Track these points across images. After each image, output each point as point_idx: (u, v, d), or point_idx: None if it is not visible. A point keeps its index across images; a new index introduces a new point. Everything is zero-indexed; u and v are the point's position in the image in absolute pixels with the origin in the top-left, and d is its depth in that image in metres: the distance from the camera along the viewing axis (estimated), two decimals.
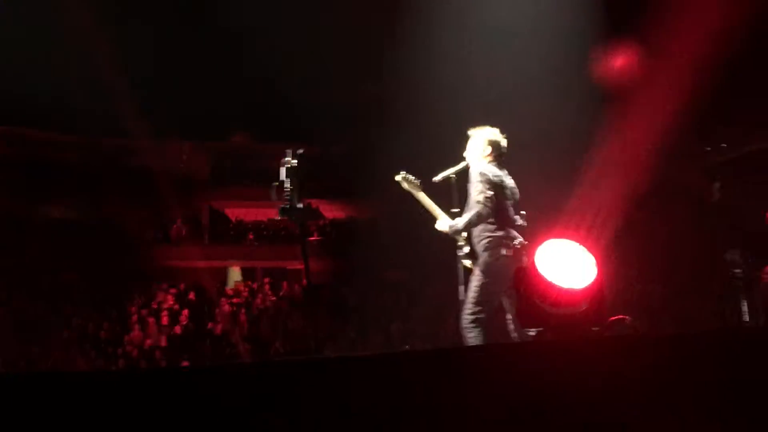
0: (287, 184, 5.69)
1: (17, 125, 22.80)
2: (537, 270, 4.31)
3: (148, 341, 17.48)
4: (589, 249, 4.51)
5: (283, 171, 5.73)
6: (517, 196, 6.18)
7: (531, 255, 4.53)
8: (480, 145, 6.27)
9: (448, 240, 6.29)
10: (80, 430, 3.13)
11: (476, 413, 3.25)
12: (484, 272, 5.83)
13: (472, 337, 5.71)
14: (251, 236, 26.06)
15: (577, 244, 4.50)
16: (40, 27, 17.58)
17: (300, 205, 5.69)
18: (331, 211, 26.91)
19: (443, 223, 6.26)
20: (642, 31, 14.40)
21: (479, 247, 6.00)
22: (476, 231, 6.06)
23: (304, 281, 19.31)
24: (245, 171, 24.00)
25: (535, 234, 5.84)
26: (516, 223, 6.00)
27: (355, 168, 21.56)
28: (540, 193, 6.11)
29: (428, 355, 4.26)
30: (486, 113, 6.38)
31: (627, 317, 4.78)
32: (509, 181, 6.18)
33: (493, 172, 6.10)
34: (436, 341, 15.77)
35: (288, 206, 5.68)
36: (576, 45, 14.42)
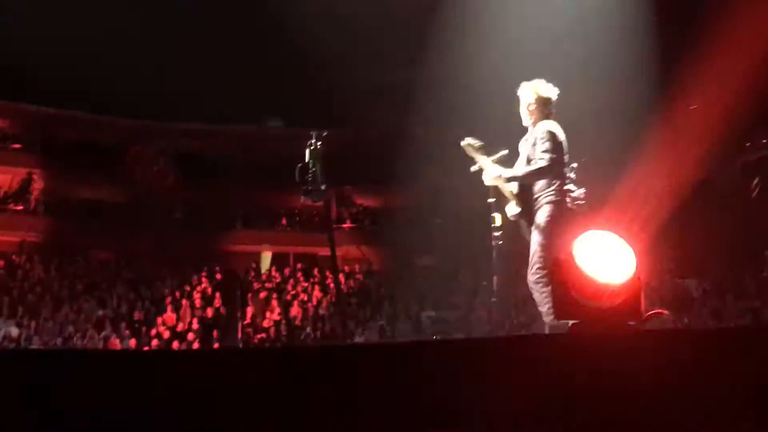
0: (311, 166, 5.67)
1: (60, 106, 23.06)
2: (575, 261, 4.24)
3: (181, 323, 17.65)
4: (629, 242, 4.43)
5: (307, 153, 5.72)
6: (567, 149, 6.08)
7: (570, 246, 4.47)
8: (534, 102, 6.11)
9: (483, 229, 6.23)
10: (111, 407, 3.15)
11: (506, 404, 3.21)
12: (549, 225, 5.77)
13: (544, 291, 5.56)
14: (284, 221, 26.16)
15: (617, 236, 4.43)
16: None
17: (323, 187, 5.67)
18: (364, 199, 26.94)
19: (494, 170, 6.09)
20: (691, 27, 14.16)
21: (543, 200, 5.89)
22: (537, 187, 5.94)
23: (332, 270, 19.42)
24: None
25: (578, 209, 5.79)
26: (571, 176, 5.96)
27: (388, 154, 21.53)
28: (583, 183, 6.00)
29: (457, 344, 4.23)
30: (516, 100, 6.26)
31: (665, 311, 4.70)
32: (565, 138, 6.07)
33: (559, 130, 6.00)
34: (467, 329, 15.72)
35: (311, 188, 5.67)
36: (628, 30, 14.23)
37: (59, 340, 15.93)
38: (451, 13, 16.28)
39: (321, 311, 18.95)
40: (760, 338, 3.51)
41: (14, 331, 16.24)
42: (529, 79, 6.24)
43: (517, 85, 6.27)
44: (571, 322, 4.30)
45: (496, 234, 6.18)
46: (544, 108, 6.11)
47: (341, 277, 22.95)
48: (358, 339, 15.50)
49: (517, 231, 6.16)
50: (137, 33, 18.17)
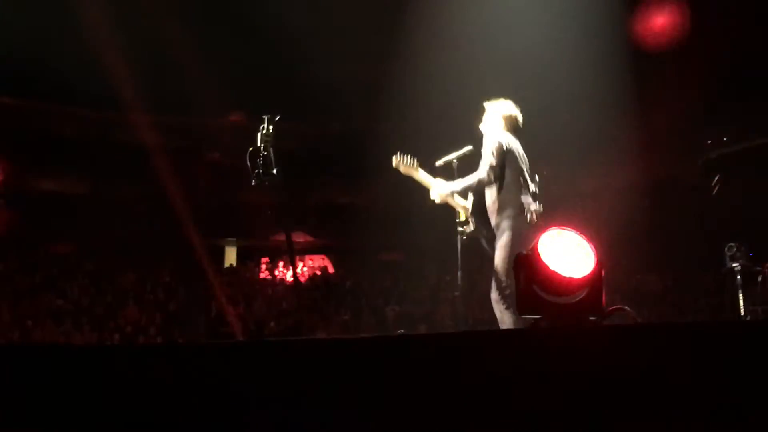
0: (262, 150, 5.63)
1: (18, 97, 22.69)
2: (539, 257, 4.28)
3: (144, 318, 17.49)
4: (589, 238, 4.49)
5: (258, 137, 5.68)
6: (527, 163, 6.13)
7: (533, 242, 4.52)
8: (496, 118, 6.21)
9: (448, 222, 6.27)
10: (72, 403, 3.11)
11: (465, 400, 3.23)
12: (513, 241, 5.80)
13: (508, 312, 5.65)
14: (249, 214, 25.99)
15: (579, 232, 4.48)
16: None
17: (274, 171, 5.63)
18: (329, 193, 26.89)
19: (439, 186, 6.23)
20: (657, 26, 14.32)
21: (498, 219, 5.94)
22: (492, 203, 5.99)
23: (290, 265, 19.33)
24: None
25: (537, 222, 5.82)
26: (531, 190, 5.99)
27: (354, 149, 21.51)
28: (543, 180, 6.06)
29: (421, 339, 4.24)
30: (495, 95, 6.32)
31: (626, 307, 4.76)
32: (520, 150, 6.12)
33: (507, 140, 6.04)
34: (431, 325, 15.79)
35: (262, 172, 5.63)
36: (591, 30, 14.33)
37: (18, 335, 15.70)
38: (420, 8, 16.30)
39: (284, 305, 18.89)
40: (720, 333, 3.56)
41: None
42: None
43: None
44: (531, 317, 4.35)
45: (461, 229, 6.22)
46: (503, 123, 6.18)
47: (304, 271, 22.90)
48: (321, 334, 15.48)
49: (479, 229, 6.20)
50: (102, 22, 17.91)
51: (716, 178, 19.67)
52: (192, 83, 19.84)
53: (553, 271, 4.23)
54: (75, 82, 19.40)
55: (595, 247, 4.49)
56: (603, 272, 4.34)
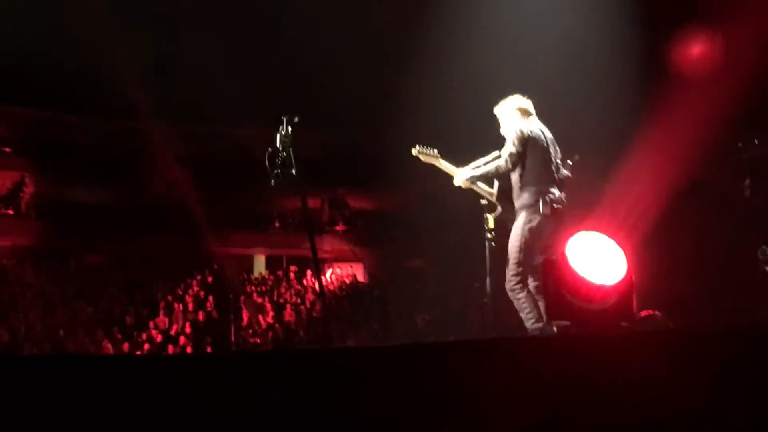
0: (281, 150, 5.64)
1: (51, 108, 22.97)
2: (567, 263, 4.24)
3: (174, 327, 17.60)
4: (620, 243, 4.44)
5: (277, 138, 5.69)
6: (558, 149, 6.10)
7: (562, 248, 4.48)
8: (510, 115, 6.21)
9: (477, 228, 6.25)
10: (104, 412, 3.13)
11: (498, 406, 3.20)
12: (523, 229, 5.78)
13: (521, 297, 5.59)
14: (277, 224, 26.09)
15: (608, 238, 4.43)
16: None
17: (294, 171, 5.62)
18: (356, 201, 26.91)
19: (462, 173, 6.23)
20: (688, 27, 14.14)
21: (518, 203, 5.94)
22: (514, 187, 6.00)
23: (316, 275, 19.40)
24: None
25: (566, 227, 5.76)
26: (558, 176, 5.97)
27: (381, 156, 21.52)
28: (573, 185, 6.01)
29: (451, 347, 4.22)
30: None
31: (657, 312, 4.70)
32: (547, 135, 6.10)
33: (529, 127, 6.03)
34: (461, 332, 15.71)
35: (280, 172, 5.63)
36: (618, 33, 14.21)
37: (50, 345, 15.87)
38: (445, 17, 16.29)
39: (314, 314, 18.92)
40: (754, 339, 3.50)
41: (4, 336, 16.16)
42: (517, 84, 6.32)
43: (508, 86, 6.33)
44: (561, 323, 4.31)
45: (489, 235, 6.19)
46: (519, 114, 6.17)
47: (333, 279, 22.93)
48: (350, 342, 15.47)
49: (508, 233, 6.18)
50: (129, 34, 18.11)
51: (748, 181, 19.41)
52: (217, 92, 19.99)
53: (583, 277, 4.20)
54: (102, 94, 19.64)
55: (625, 252, 4.44)
56: (634, 278, 4.29)
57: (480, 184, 6.25)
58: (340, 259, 25.03)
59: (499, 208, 6.17)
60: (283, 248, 25.59)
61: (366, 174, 23.85)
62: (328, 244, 25.09)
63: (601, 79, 14.76)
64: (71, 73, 18.60)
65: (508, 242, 6.00)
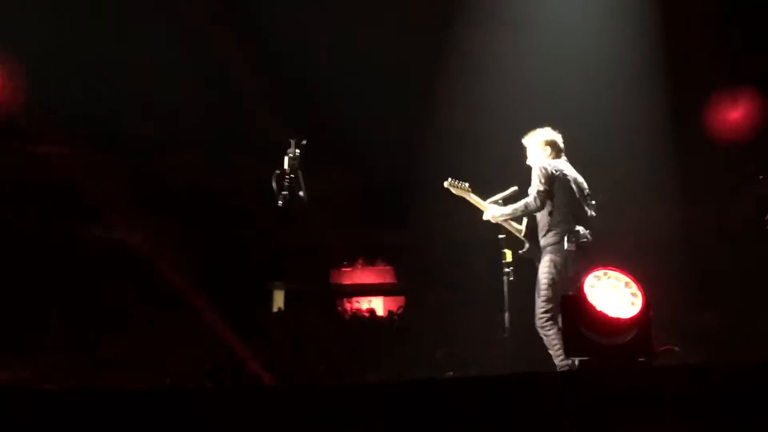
0: (288, 173, 5.67)
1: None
2: (585, 298, 4.26)
3: (193, 362, 17.60)
4: (638, 276, 4.46)
5: (285, 160, 5.73)
6: (585, 187, 6.16)
7: (580, 283, 4.50)
8: (538, 148, 6.26)
9: (497, 262, 6.27)
10: None
11: None
12: (550, 267, 5.84)
13: (551, 334, 5.62)
14: (296, 258, 26.08)
15: (625, 272, 4.46)
16: None
17: (301, 193, 5.65)
18: (377, 236, 26.89)
19: (492, 210, 6.28)
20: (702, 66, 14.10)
21: (543, 242, 6.01)
22: (540, 225, 6.07)
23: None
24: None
25: (586, 248, 5.79)
26: (585, 216, 6.01)
27: (402, 188, 21.56)
28: (600, 206, 6.05)
29: (472, 382, 4.23)
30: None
31: (675, 347, 4.69)
32: (573, 174, 6.15)
33: (554, 166, 6.08)
34: (481, 366, 15.60)
35: (288, 195, 5.66)
36: (636, 64, 14.23)
37: (75, 380, 15.88)
38: (460, 60, 16.37)
39: (334, 349, 18.86)
40: None
41: (27, 372, 16.22)
42: (537, 121, 6.37)
43: (527, 127, 6.39)
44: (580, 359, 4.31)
45: (507, 269, 6.22)
46: (550, 151, 6.21)
47: (351, 313, 22.84)
48: (370, 376, 15.39)
49: (527, 266, 6.21)
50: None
51: None
52: (239, 128, 20.11)
53: (600, 312, 4.21)
54: (122, 128, 19.80)
55: (642, 287, 4.45)
56: (651, 312, 4.30)
57: (509, 221, 6.30)
58: (359, 292, 25.01)
59: (527, 245, 6.19)
60: (302, 282, 25.50)
61: (387, 208, 23.89)
62: (347, 278, 25.08)
63: (621, 111, 14.77)
64: (90, 111, 18.83)
65: (527, 277, 6.04)
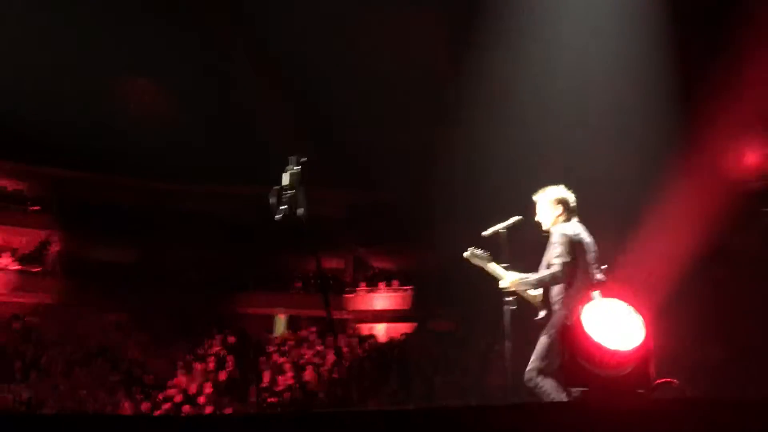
0: (287, 189, 5.69)
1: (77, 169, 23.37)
2: (583, 329, 4.24)
3: (193, 387, 17.56)
4: (639, 308, 4.43)
5: (285, 177, 5.74)
6: (595, 249, 6.04)
7: (577, 313, 4.48)
8: (549, 207, 6.22)
9: (498, 292, 6.24)
10: None
11: None
12: (555, 330, 5.74)
13: (540, 384, 5.56)
14: (299, 284, 26.09)
15: (625, 303, 4.43)
16: None
17: (300, 211, 5.64)
18: (379, 261, 26.93)
19: (511, 277, 6.16)
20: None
21: (554, 304, 5.91)
22: (562, 295, 5.91)
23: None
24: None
25: (583, 290, 5.75)
26: (594, 280, 5.88)
27: (405, 217, 21.61)
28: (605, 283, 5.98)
29: (471, 411, 4.20)
30: (541, 166, 6.37)
31: (674, 380, 4.65)
32: (587, 237, 6.06)
33: (574, 230, 6.01)
34: (480, 395, 15.55)
35: (287, 212, 5.66)
36: (643, 94, 14.29)
37: (72, 404, 15.88)
38: (470, 78, 16.46)
39: (334, 375, 18.81)
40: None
41: (25, 395, 16.20)
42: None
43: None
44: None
45: (509, 299, 6.19)
46: (562, 211, 6.17)
47: (353, 340, 22.82)
48: (370, 404, 15.35)
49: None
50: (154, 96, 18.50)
51: None
52: (243, 153, 20.22)
53: (598, 344, 4.19)
54: (128, 155, 19.96)
55: (645, 318, 4.43)
56: (652, 344, 4.28)
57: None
58: (361, 319, 24.98)
59: (542, 312, 6.11)
60: (304, 308, 25.53)
61: (390, 234, 23.92)
62: (351, 304, 25.09)
63: (626, 143, 14.81)
64: (95, 131, 18.97)
65: (529, 306, 6.01)
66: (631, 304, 4.58)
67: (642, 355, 4.23)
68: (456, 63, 16.96)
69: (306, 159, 5.77)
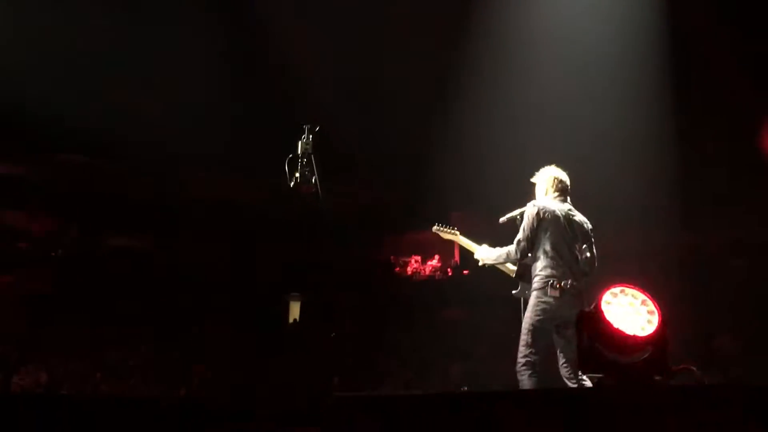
0: (302, 158, 5.70)
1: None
2: (602, 315, 4.24)
3: (209, 373, 17.62)
4: (655, 295, 4.43)
5: (299, 145, 5.77)
6: (585, 229, 6.02)
7: (596, 300, 4.48)
8: (542, 186, 6.22)
9: (511, 279, 6.26)
10: None
11: None
12: (532, 312, 5.77)
13: (524, 379, 5.62)
14: (313, 270, 26.09)
15: (642, 290, 4.44)
16: None
17: (314, 180, 5.68)
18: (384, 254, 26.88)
19: (481, 252, 6.32)
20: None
21: (532, 286, 5.91)
22: (528, 271, 5.99)
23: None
24: None
25: (601, 277, 5.71)
26: (573, 260, 5.86)
27: (416, 203, 21.58)
28: (609, 235, 5.99)
29: (485, 396, 4.22)
30: (549, 158, 6.34)
31: (692, 367, 4.65)
32: (570, 214, 6.02)
33: (545, 207, 5.96)
34: (495, 382, 15.54)
35: (301, 178, 5.69)
36: (649, 88, 14.19)
37: (89, 386, 15.97)
38: (468, 82, 16.37)
39: (349, 361, 18.83)
40: None
41: (43, 377, 16.32)
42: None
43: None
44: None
45: (514, 291, 6.21)
46: (551, 188, 6.15)
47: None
48: (385, 388, 15.35)
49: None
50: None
51: None
52: (258, 142, 20.18)
53: (617, 329, 4.19)
54: (148, 144, 19.98)
55: (659, 305, 4.43)
56: (668, 331, 4.28)
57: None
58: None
59: (519, 286, 6.15)
60: (318, 295, 25.48)
61: (402, 225, 23.90)
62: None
63: (636, 134, 14.72)
64: (114, 122, 19.00)
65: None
66: (645, 291, 4.58)
67: (658, 341, 4.24)
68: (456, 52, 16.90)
69: (319, 128, 5.79)
